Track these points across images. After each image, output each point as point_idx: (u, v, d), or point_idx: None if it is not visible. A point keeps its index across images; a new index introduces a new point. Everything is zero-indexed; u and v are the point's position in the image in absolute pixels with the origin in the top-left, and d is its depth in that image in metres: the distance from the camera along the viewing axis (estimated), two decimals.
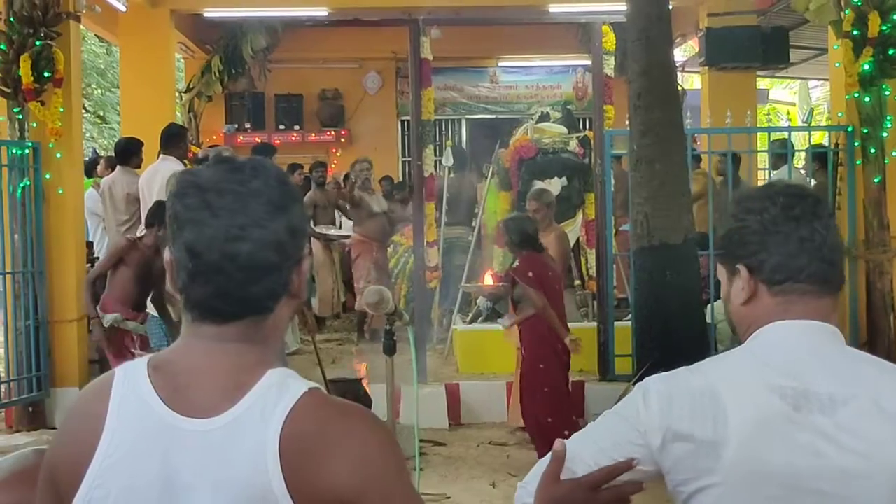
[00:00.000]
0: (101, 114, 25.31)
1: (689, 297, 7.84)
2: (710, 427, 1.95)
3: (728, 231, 2.15)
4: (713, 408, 1.96)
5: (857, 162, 8.93)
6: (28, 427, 9.01)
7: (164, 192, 8.66)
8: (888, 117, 8.71)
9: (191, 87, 15.21)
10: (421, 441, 6.04)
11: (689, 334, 7.69)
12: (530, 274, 7.55)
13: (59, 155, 9.16)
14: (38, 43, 8.85)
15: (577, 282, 11.01)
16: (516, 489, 2.12)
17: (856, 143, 8.91)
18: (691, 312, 7.87)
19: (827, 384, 1.97)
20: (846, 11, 8.64)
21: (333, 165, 15.69)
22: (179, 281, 1.80)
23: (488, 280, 10.85)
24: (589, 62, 12.06)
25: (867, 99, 8.67)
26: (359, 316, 12.17)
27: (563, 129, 11.27)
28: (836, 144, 9.33)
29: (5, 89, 8.90)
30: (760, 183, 11.70)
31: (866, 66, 8.55)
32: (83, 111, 13.92)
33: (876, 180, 8.73)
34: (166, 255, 1.82)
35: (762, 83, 19.74)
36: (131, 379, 1.80)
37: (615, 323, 9.29)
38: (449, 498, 6.97)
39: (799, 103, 25.80)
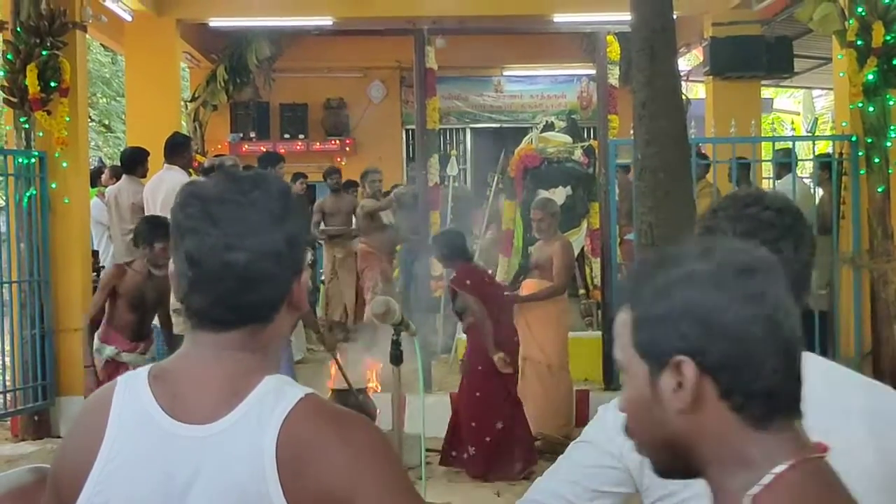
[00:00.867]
0: (107, 123, 25.35)
1: None
2: None
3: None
4: None
5: (861, 172, 8.94)
6: (33, 436, 9.03)
7: (169, 201, 8.68)
8: (892, 127, 8.71)
9: (196, 96, 15.25)
10: (427, 450, 6.05)
11: None
12: (468, 282, 7.84)
13: (65, 164, 9.19)
14: (44, 53, 8.87)
15: (582, 291, 11.02)
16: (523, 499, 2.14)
17: (860, 153, 8.92)
18: None
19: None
20: (850, 21, 8.65)
21: None
22: (181, 290, 1.83)
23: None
24: (593, 71, 12.09)
25: (871, 108, 8.68)
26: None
27: (568, 139, 11.29)
28: (840, 154, 9.33)
29: (12, 99, 8.93)
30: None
31: (870, 76, 8.56)
32: (89, 120, 13.94)
33: (880, 190, 8.73)
34: (170, 266, 1.85)
35: (766, 92, 19.75)
36: (132, 388, 1.84)
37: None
38: None
39: (803, 113, 25.80)
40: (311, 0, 12.15)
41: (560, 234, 9.00)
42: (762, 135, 14.03)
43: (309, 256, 7.77)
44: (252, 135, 16.55)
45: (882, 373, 8.33)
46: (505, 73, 17.51)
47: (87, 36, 10.46)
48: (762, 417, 1.42)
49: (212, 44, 15.05)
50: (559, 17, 12.51)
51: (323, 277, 13.05)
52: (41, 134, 9.05)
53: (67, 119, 9.05)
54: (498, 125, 17.38)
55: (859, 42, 8.56)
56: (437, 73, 11.10)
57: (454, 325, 11.13)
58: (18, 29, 8.85)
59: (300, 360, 10.95)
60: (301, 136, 16.75)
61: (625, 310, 1.50)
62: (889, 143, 8.72)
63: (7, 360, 9.42)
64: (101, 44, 18.48)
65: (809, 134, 17.92)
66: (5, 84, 8.93)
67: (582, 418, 8.80)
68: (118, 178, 10.37)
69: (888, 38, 8.47)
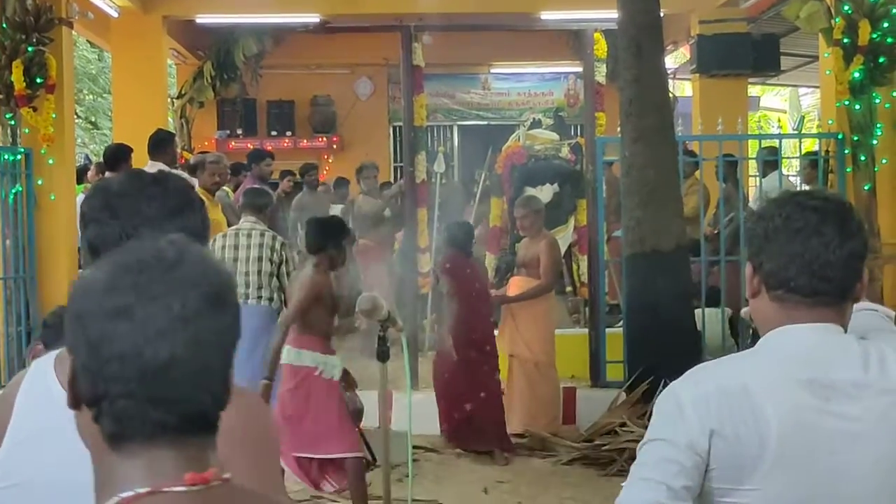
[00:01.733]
0: (93, 120, 25.27)
1: (680, 303, 7.86)
2: (750, 424, 2.03)
3: (746, 226, 2.29)
4: (750, 406, 2.04)
5: (848, 169, 8.97)
6: None
7: None
8: (878, 125, 8.74)
9: (183, 93, 15.20)
10: (413, 447, 6.04)
11: (681, 341, 7.70)
12: (447, 265, 8.23)
13: (51, 161, 9.17)
14: (30, 49, 8.85)
15: (569, 288, 11.02)
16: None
17: (846, 151, 8.95)
18: (682, 318, 7.89)
19: (848, 373, 2.07)
20: (836, 19, 8.68)
21: (326, 171, 15.69)
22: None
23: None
24: (580, 69, 12.08)
25: (857, 106, 8.71)
26: None
27: (555, 136, 11.29)
28: (827, 152, 9.36)
29: None
30: (751, 190, 11.76)
31: (856, 74, 8.59)
32: (75, 117, 13.89)
33: (866, 187, 8.76)
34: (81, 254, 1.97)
35: (753, 90, 19.77)
36: (39, 370, 1.96)
37: (607, 329, 9.30)
38: None
39: (790, 110, 25.85)
40: None
41: (546, 231, 8.99)
42: (749, 132, 14.04)
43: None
44: (239, 132, 16.51)
45: None
46: (492, 70, 17.51)
47: (74, 32, 10.44)
48: (111, 438, 1.37)
49: (198, 40, 15.01)
50: (546, 15, 12.52)
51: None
52: (27, 130, 9.03)
53: (53, 115, 9.04)
54: (485, 122, 17.37)
55: (845, 40, 8.58)
56: (425, 71, 11.07)
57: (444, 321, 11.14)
58: (4, 25, 8.83)
59: None
60: (288, 133, 16.71)
61: None
62: (875, 141, 8.75)
63: None
64: (87, 40, 18.42)
65: (796, 132, 17.95)
66: None
67: (569, 415, 8.81)
68: (104, 175, 10.35)
69: (874, 36, 8.50)
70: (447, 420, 8.30)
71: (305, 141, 16.65)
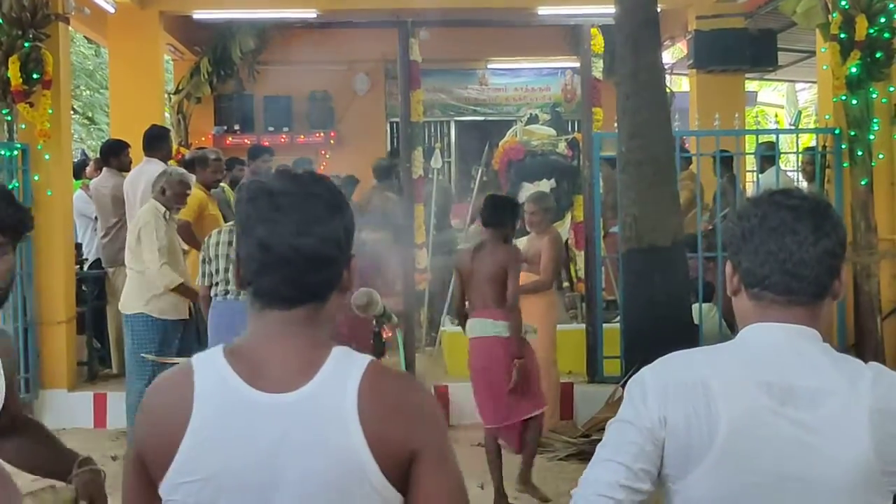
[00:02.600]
0: (90, 115, 25.25)
1: (677, 298, 7.87)
2: (702, 418, 2.11)
3: (726, 226, 2.35)
4: (705, 401, 2.12)
5: (845, 164, 8.97)
6: None
7: (148, 194, 8.67)
8: (875, 120, 8.75)
9: (180, 88, 15.19)
10: None
11: (677, 336, 7.69)
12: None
13: (47, 156, 9.16)
14: (26, 44, 8.85)
15: (566, 283, 11.02)
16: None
17: (843, 146, 8.95)
18: (679, 314, 7.89)
19: (810, 380, 2.12)
20: (833, 14, 8.68)
21: (323, 166, 15.68)
22: (249, 273, 2.09)
23: None
24: (578, 64, 12.07)
25: (854, 101, 8.71)
26: None
27: (552, 131, 11.30)
28: (824, 147, 9.37)
29: None
30: (748, 185, 11.76)
31: (853, 69, 8.59)
32: (72, 112, 13.88)
33: (863, 182, 8.77)
34: (238, 253, 2.13)
35: (750, 85, 19.81)
36: (210, 365, 2.07)
37: (604, 325, 9.32)
38: None
39: (787, 106, 25.88)
40: None
41: (552, 227, 9.01)
42: (746, 128, 14.05)
43: None
44: (236, 127, 16.47)
45: None
46: (489, 66, 17.47)
47: (70, 28, 10.42)
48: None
49: (195, 36, 14.99)
50: (543, 10, 12.51)
51: None
52: (24, 126, 9.03)
53: (50, 111, 9.03)
54: (482, 118, 17.35)
55: (843, 35, 8.58)
56: (422, 66, 11.08)
57: (439, 317, 11.15)
58: (0, 20, 8.81)
59: None
60: (285, 129, 16.66)
61: None
62: (872, 136, 8.76)
63: None
64: (84, 36, 18.40)
65: (793, 127, 17.97)
66: None
67: (566, 411, 8.82)
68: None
69: (871, 31, 8.50)
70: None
71: (303, 136, 16.61)
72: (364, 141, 16.13)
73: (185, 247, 8.80)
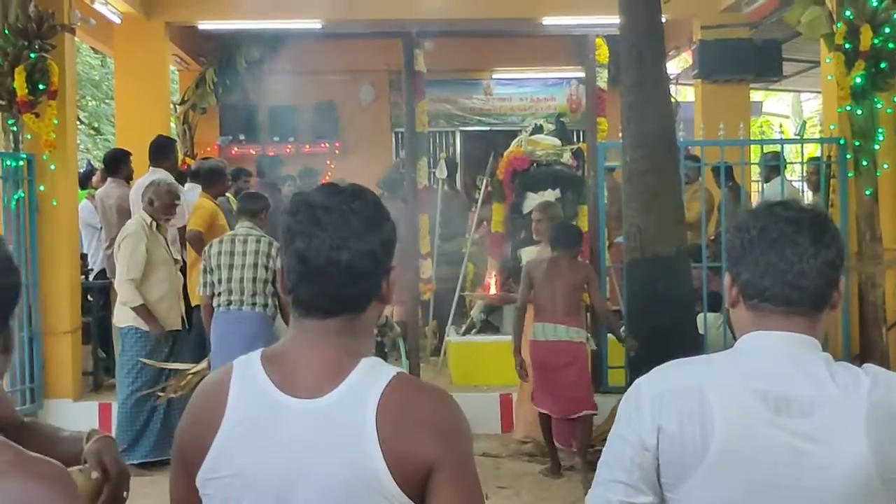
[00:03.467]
0: (96, 125, 25.30)
1: (681, 309, 7.85)
2: (697, 426, 2.12)
3: (726, 238, 2.42)
4: (700, 408, 2.13)
5: (850, 174, 8.97)
6: None
7: None
8: (880, 130, 8.74)
9: (185, 98, 15.23)
10: None
11: (682, 346, 7.68)
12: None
13: (53, 167, 9.17)
14: (32, 55, 8.86)
15: None
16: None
17: (848, 156, 8.95)
18: (684, 324, 7.88)
19: (805, 389, 2.12)
20: (838, 25, 8.67)
21: (328, 177, 15.70)
22: (289, 283, 2.15)
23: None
24: (582, 75, 12.08)
25: (859, 112, 8.71)
26: None
27: (557, 142, 11.27)
28: (829, 157, 9.36)
29: (0, 101, 8.90)
30: (754, 195, 11.75)
31: (858, 79, 8.58)
32: (78, 123, 13.92)
33: (868, 192, 8.76)
34: (279, 262, 2.26)
35: (756, 95, 19.80)
36: (247, 368, 2.16)
37: (609, 335, 9.31)
38: None
39: (792, 116, 25.87)
40: (299, 3, 12.13)
41: None
42: (751, 138, 14.04)
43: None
44: (242, 137, 16.50)
45: None
46: (494, 76, 17.49)
47: (76, 39, 10.45)
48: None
49: (201, 46, 15.03)
50: (548, 20, 12.52)
51: None
52: (29, 136, 9.05)
53: (56, 122, 9.04)
54: (487, 128, 17.36)
55: (847, 45, 8.58)
56: (427, 77, 11.09)
57: (444, 327, 11.15)
58: (6, 31, 8.84)
59: None
60: (290, 139, 16.70)
61: None
62: (877, 146, 8.75)
63: None
64: (90, 46, 18.44)
65: (798, 137, 17.98)
66: None
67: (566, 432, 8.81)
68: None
69: (876, 41, 8.49)
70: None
71: (308, 146, 16.64)
72: (369, 151, 16.16)
73: (178, 256, 8.82)
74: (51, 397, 9.31)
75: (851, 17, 8.57)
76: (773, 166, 10.16)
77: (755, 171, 11.30)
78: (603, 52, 10.67)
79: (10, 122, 8.95)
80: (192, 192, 9.99)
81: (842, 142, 9.03)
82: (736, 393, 2.14)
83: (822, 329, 2.25)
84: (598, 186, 9.46)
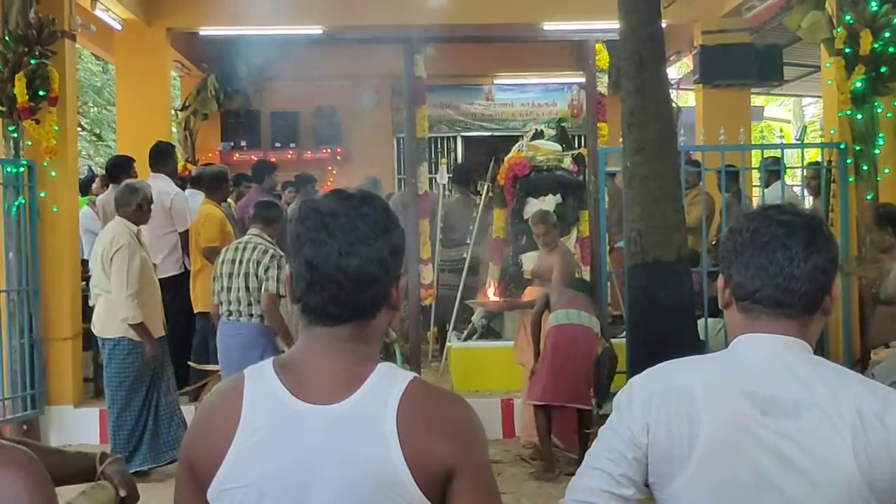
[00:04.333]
0: (98, 132, 25.32)
1: (682, 314, 7.83)
2: (684, 425, 2.15)
3: (720, 240, 2.38)
4: (688, 407, 2.16)
5: (850, 179, 8.96)
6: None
7: (156, 210, 8.67)
8: (880, 134, 8.73)
9: (186, 104, 15.25)
10: None
11: (683, 351, 7.65)
12: None
13: (53, 173, 9.17)
14: (32, 61, 8.85)
15: None
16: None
17: (848, 161, 8.94)
18: (684, 329, 7.86)
19: (793, 391, 2.13)
20: (838, 29, 8.67)
21: (330, 182, 15.71)
22: (298, 290, 2.15)
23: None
24: (583, 80, 12.09)
25: (859, 116, 8.70)
26: None
27: (558, 147, 11.26)
28: (829, 161, 9.35)
29: (0, 108, 8.90)
30: (754, 200, 11.75)
31: (858, 84, 8.58)
32: (79, 129, 13.93)
33: (868, 197, 8.75)
34: (286, 270, 2.15)
35: (757, 100, 19.79)
36: (260, 376, 2.15)
37: (610, 340, 9.30)
38: None
39: (793, 120, 25.86)
40: (301, 10, 12.15)
41: (560, 242, 9.10)
42: (752, 142, 14.04)
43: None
44: (243, 143, 16.53)
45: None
46: (495, 81, 17.52)
47: (77, 45, 10.46)
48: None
49: (202, 52, 15.05)
50: (549, 26, 12.53)
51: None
52: (30, 143, 9.04)
53: (56, 128, 9.03)
54: (488, 133, 17.38)
55: (847, 50, 8.58)
56: (428, 82, 11.09)
57: (446, 333, 11.13)
58: (6, 37, 8.84)
59: None
60: (292, 145, 16.72)
61: None
62: (877, 151, 8.74)
63: None
64: (91, 52, 18.47)
65: (799, 142, 17.96)
66: None
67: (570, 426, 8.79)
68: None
69: (876, 45, 8.49)
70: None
71: (309, 152, 16.67)
72: (371, 156, 16.17)
73: (180, 263, 8.82)
74: (52, 404, 9.30)
75: (851, 22, 8.57)
76: (774, 171, 10.14)
77: (756, 176, 11.31)
78: (603, 58, 10.67)
79: (10, 128, 8.94)
80: (193, 198, 10.00)
81: (842, 146, 9.02)
82: (724, 393, 2.16)
83: (814, 332, 2.26)
84: (599, 191, 9.46)
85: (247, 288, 7.61)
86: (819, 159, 10.17)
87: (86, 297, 10.13)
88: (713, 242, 9.82)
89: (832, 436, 2.07)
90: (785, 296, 2.19)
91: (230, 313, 7.67)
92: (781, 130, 26.86)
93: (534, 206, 10.17)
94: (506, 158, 11.26)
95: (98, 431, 9.25)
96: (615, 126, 9.38)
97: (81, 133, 21.79)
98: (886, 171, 8.86)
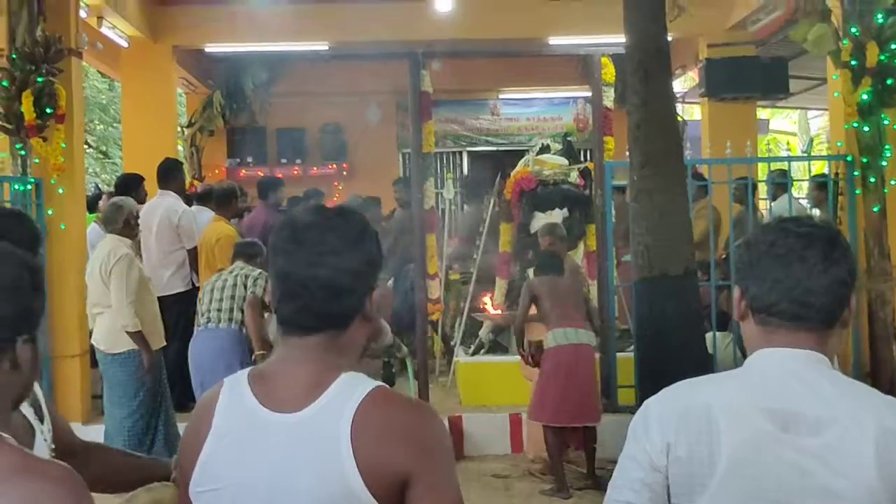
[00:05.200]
0: (104, 149, 25.37)
1: (689, 327, 7.82)
2: (704, 445, 2.13)
3: (736, 252, 2.38)
4: (707, 427, 2.13)
5: (857, 191, 8.94)
6: None
7: (164, 227, 8.68)
8: (887, 146, 8.71)
9: (192, 121, 15.27)
10: None
11: (691, 365, 7.64)
12: None
13: (61, 191, 9.18)
14: (39, 79, 8.86)
15: None
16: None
17: (855, 173, 8.92)
18: (692, 343, 7.84)
19: (813, 407, 2.11)
20: (844, 42, 8.66)
21: (336, 198, 15.71)
22: (274, 300, 2.22)
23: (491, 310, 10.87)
24: (589, 94, 12.10)
25: (866, 128, 8.68)
26: None
27: (564, 161, 11.27)
28: (836, 174, 9.33)
29: (7, 126, 8.92)
30: (763, 213, 11.73)
31: (865, 96, 8.57)
32: (86, 146, 13.95)
33: (876, 209, 8.72)
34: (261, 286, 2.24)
35: (762, 113, 19.79)
36: (235, 386, 2.22)
37: (618, 354, 9.29)
38: None
39: (799, 133, 25.83)
40: (306, 26, 12.17)
41: (568, 255, 9.12)
42: (758, 155, 14.03)
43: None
44: (249, 160, 16.54)
45: None
46: (501, 96, 17.53)
47: (83, 62, 10.47)
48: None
49: (208, 69, 15.09)
50: (554, 40, 12.55)
51: None
52: (37, 161, 9.04)
53: (63, 145, 9.04)
54: (494, 148, 17.39)
55: (853, 62, 8.56)
56: (434, 97, 11.10)
57: (453, 348, 11.12)
58: (14, 55, 8.85)
59: None
60: (298, 161, 16.74)
61: None
62: (884, 163, 8.71)
63: None
64: (97, 70, 18.52)
65: (805, 154, 17.94)
66: (1, 111, 8.91)
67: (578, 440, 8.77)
68: None
69: (882, 57, 8.48)
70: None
71: (315, 168, 16.68)
72: (376, 172, 16.16)
73: (188, 279, 8.81)
74: None
75: (857, 34, 8.56)
76: (781, 184, 10.12)
77: (763, 189, 11.29)
78: (609, 72, 10.67)
79: (17, 146, 8.95)
80: (200, 215, 10.01)
81: (849, 159, 9.00)
82: (744, 411, 2.13)
83: (834, 345, 2.24)
84: (606, 205, 9.45)
85: (232, 297, 7.75)
86: (826, 171, 10.15)
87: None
88: (722, 256, 9.79)
89: (855, 451, 2.05)
90: (803, 309, 2.17)
91: (208, 320, 7.81)
92: (788, 143, 26.82)
93: (540, 220, 10.17)
94: (512, 173, 11.27)
95: None
96: (621, 140, 9.38)
97: (88, 150, 21.83)
98: (893, 182, 8.83)
